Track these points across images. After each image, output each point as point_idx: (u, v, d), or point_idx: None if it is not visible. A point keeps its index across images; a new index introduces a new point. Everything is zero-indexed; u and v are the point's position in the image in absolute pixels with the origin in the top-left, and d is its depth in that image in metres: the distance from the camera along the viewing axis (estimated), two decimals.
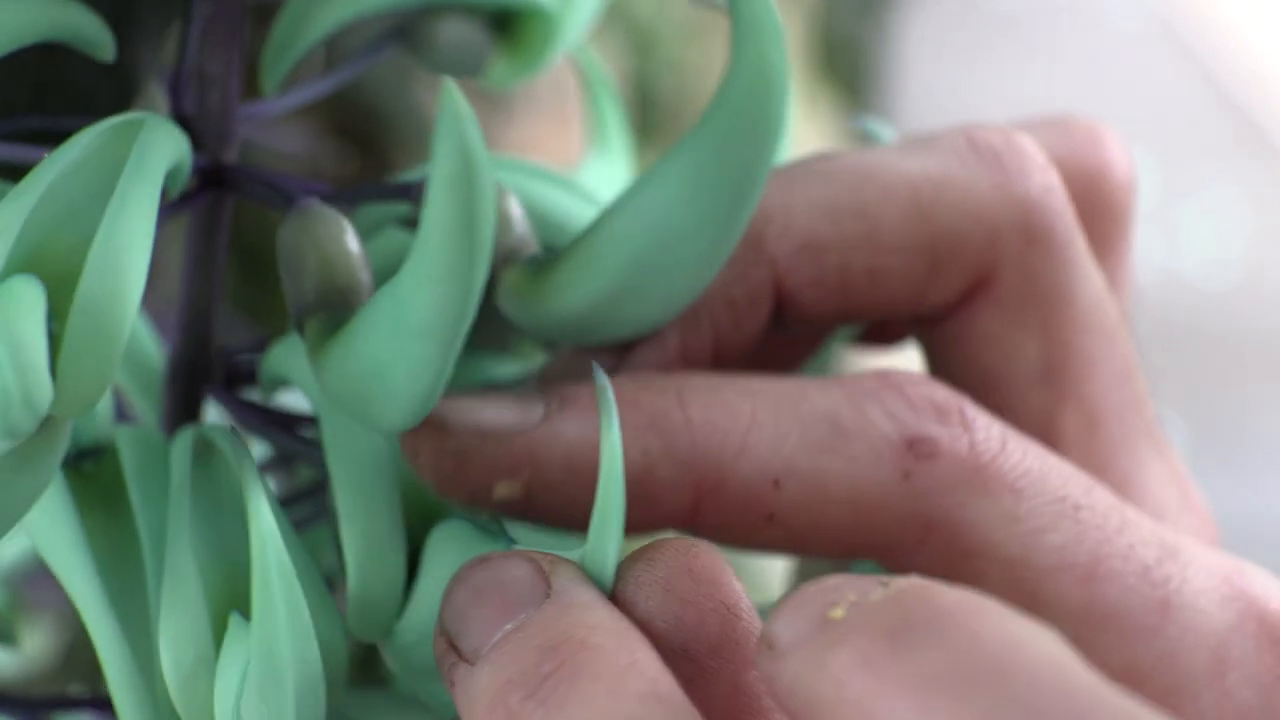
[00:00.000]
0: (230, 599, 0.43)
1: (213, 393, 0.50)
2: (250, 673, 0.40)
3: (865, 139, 0.55)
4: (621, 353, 0.46)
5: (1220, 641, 0.44)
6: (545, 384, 0.46)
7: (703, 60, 1.27)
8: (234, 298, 0.77)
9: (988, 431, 0.44)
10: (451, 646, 0.40)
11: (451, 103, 0.35)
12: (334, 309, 0.42)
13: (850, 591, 0.36)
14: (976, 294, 0.47)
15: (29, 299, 0.38)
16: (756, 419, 0.43)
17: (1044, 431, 0.47)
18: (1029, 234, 0.47)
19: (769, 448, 0.43)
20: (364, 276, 0.43)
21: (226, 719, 0.41)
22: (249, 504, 0.40)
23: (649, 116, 1.24)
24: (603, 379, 0.40)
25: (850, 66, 1.36)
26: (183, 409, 0.51)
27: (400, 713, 0.49)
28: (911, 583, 0.36)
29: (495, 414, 0.43)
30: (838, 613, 0.35)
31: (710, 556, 0.40)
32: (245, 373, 0.51)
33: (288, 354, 0.46)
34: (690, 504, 0.43)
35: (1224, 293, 1.80)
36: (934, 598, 0.35)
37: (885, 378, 0.44)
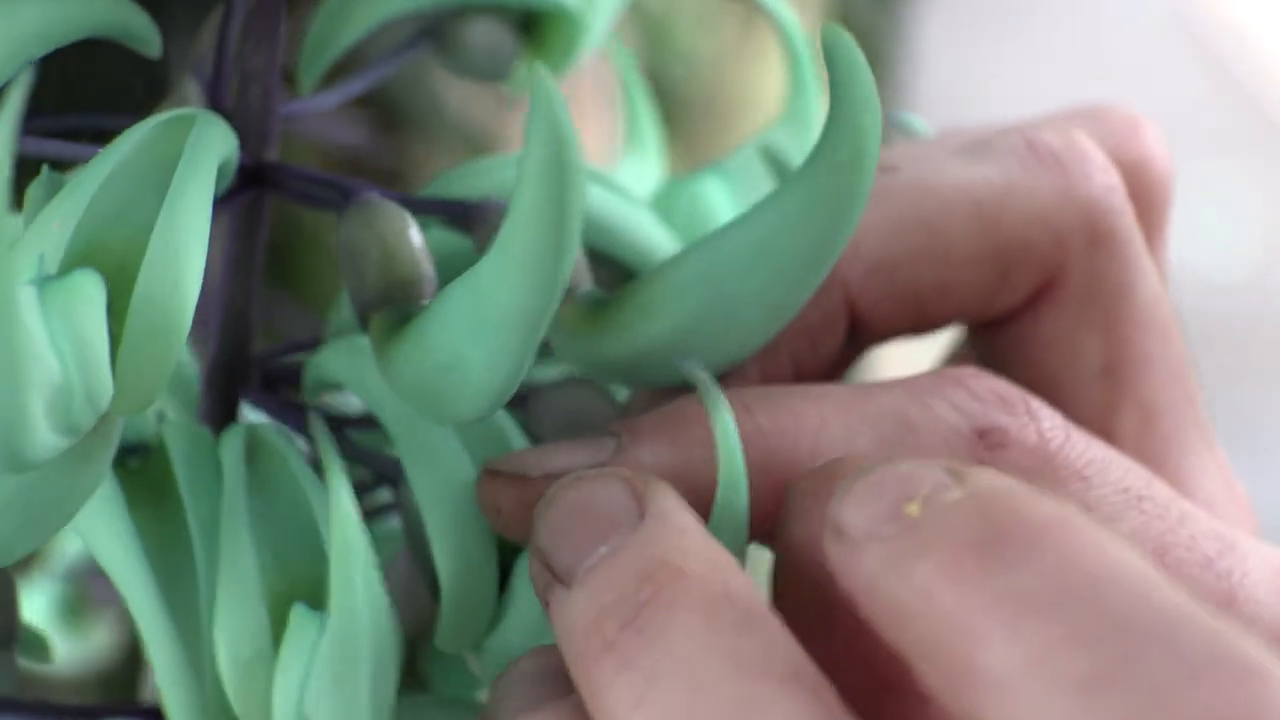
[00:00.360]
0: (286, 596, 0.42)
1: (253, 396, 0.50)
2: (320, 664, 0.40)
3: (905, 135, 0.55)
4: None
5: (1277, 636, 0.44)
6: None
7: (716, 51, 1.26)
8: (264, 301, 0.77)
9: (1052, 421, 0.44)
10: (546, 566, 0.40)
11: (544, 88, 0.35)
12: (399, 303, 0.42)
13: (924, 484, 0.36)
14: (1042, 296, 0.47)
15: (91, 293, 0.37)
16: (825, 421, 0.43)
17: (1100, 427, 0.47)
18: (1094, 235, 0.47)
19: (841, 448, 0.43)
20: (427, 269, 0.43)
21: (289, 714, 0.40)
22: (331, 488, 0.39)
23: (661, 108, 1.23)
24: (703, 378, 0.40)
25: (868, 57, 1.35)
26: (221, 410, 0.50)
27: (445, 716, 0.49)
28: (993, 485, 0.35)
29: (569, 458, 0.43)
30: (913, 508, 0.35)
31: None
32: (282, 375, 0.51)
33: (341, 357, 0.46)
34: (769, 512, 0.43)
35: (1236, 285, 1.80)
36: (1022, 508, 0.35)
37: (943, 374, 0.44)
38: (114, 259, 0.39)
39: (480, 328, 0.38)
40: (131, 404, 0.39)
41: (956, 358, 0.53)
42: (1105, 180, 0.47)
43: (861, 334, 0.47)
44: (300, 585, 0.42)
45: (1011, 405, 0.44)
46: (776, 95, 0.60)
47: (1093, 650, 0.33)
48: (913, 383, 0.44)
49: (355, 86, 0.53)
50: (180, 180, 0.40)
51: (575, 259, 0.44)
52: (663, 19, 1.22)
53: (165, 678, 0.42)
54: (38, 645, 0.53)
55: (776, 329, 0.44)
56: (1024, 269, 0.47)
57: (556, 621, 0.39)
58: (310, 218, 0.45)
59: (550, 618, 0.40)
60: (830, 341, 0.47)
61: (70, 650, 0.71)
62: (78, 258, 0.38)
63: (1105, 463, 0.44)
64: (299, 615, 0.41)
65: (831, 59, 0.41)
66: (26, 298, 0.35)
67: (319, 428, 0.42)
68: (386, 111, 0.92)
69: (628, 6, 0.56)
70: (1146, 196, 0.51)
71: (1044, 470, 0.43)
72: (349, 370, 0.45)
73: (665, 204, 0.55)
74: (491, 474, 0.43)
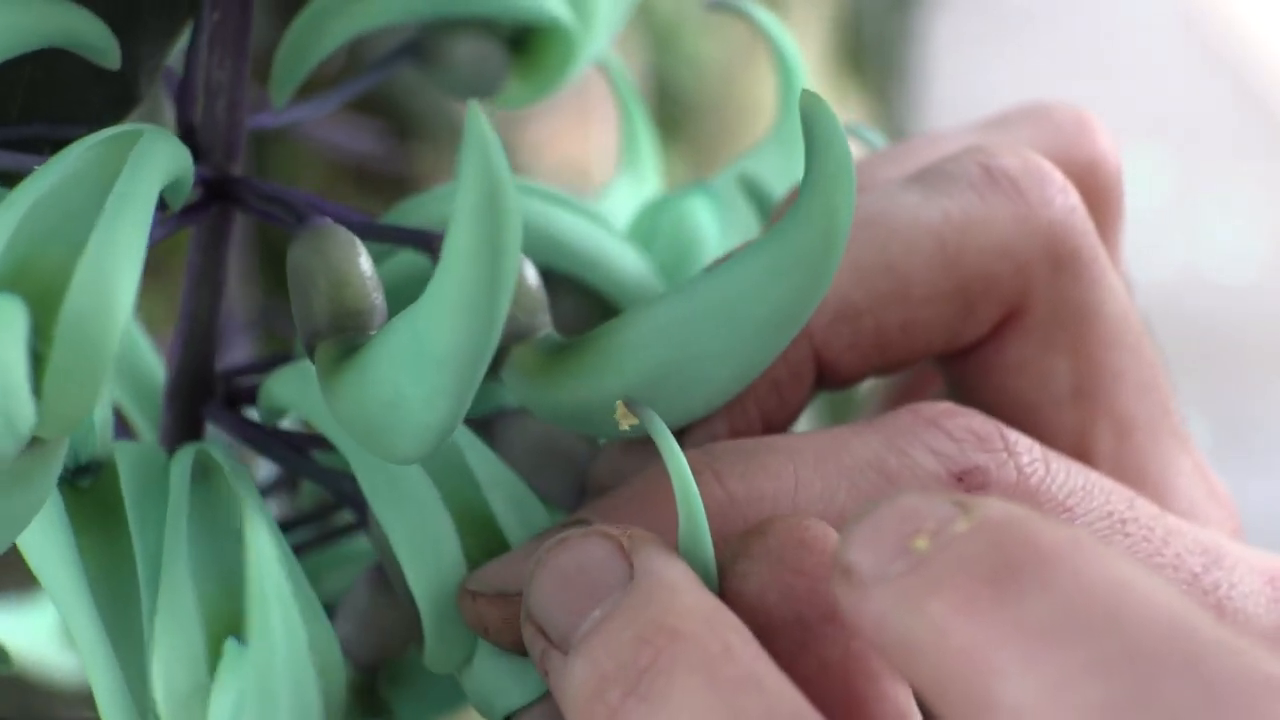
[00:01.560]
0: (228, 623, 0.41)
1: (213, 413, 0.49)
2: (246, 700, 0.39)
3: (894, 134, 0.54)
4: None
5: (1269, 645, 0.43)
6: (589, 499, 0.45)
7: (722, 55, 1.26)
8: (262, 308, 0.76)
9: (1031, 454, 0.43)
10: (540, 632, 0.39)
11: (476, 127, 0.34)
12: (346, 333, 0.41)
13: (929, 518, 0.35)
14: (1007, 324, 0.47)
15: (9, 318, 0.36)
16: (801, 479, 0.42)
17: (1077, 447, 0.47)
18: (1056, 260, 0.46)
19: (822, 506, 0.42)
20: (377, 300, 0.42)
21: None
22: (246, 526, 0.39)
23: (667, 112, 1.22)
24: (669, 444, 0.40)
25: (878, 64, 1.35)
26: (183, 428, 0.49)
27: None
28: (1001, 514, 0.35)
29: None
30: (921, 543, 0.35)
31: (820, 528, 0.40)
32: (246, 391, 0.50)
33: (290, 382, 0.45)
34: None
35: (1243, 288, 1.79)
36: (1032, 537, 0.34)
37: (917, 413, 0.43)
38: (44, 279, 0.37)
39: (419, 366, 0.37)
40: (57, 427, 0.38)
41: (917, 378, 0.53)
42: (1065, 202, 0.46)
43: (828, 380, 0.47)
44: (242, 614, 0.41)
45: (989, 443, 0.43)
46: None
47: (1111, 678, 0.32)
48: (887, 426, 0.43)
49: (338, 97, 0.53)
50: (116, 200, 0.39)
51: (536, 299, 0.44)
52: (670, 24, 1.21)
53: (105, 705, 0.41)
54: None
55: (739, 387, 0.43)
56: (988, 301, 0.46)
57: (557, 689, 0.39)
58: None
59: (550, 684, 0.39)
60: (798, 393, 0.46)
61: (77, 664, 0.70)
62: (5, 278, 0.37)
63: (1087, 490, 0.43)
64: (230, 650, 0.40)
65: (810, 127, 0.40)
66: None
67: (233, 460, 0.41)
68: (394, 118, 0.91)
69: (636, 12, 0.55)
70: (1099, 195, 0.50)
71: (1027, 504, 0.42)
72: (300, 396, 0.44)
73: (650, 222, 0.54)
74: (472, 595, 0.43)
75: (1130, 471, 0.47)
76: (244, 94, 0.48)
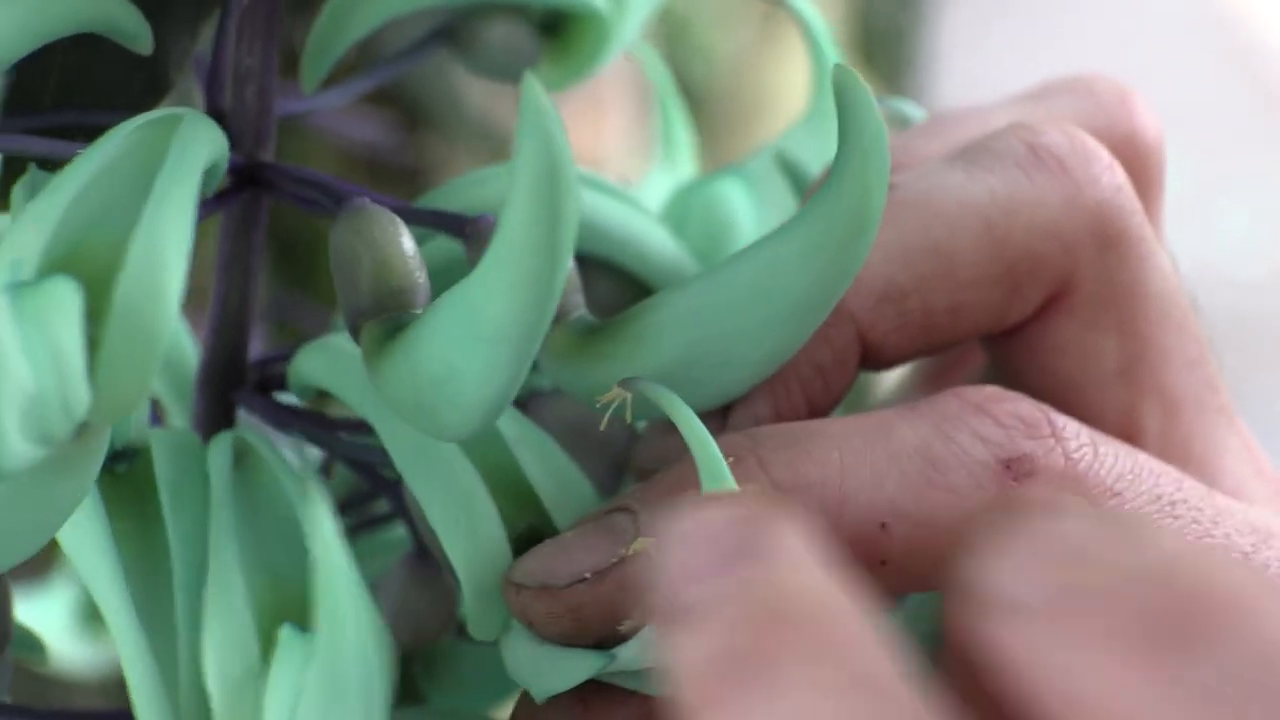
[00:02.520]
0: (276, 611, 0.41)
1: (245, 399, 0.48)
2: (311, 686, 0.38)
3: (904, 125, 0.54)
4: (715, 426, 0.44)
5: None
6: (634, 483, 0.45)
7: (735, 48, 1.26)
8: (273, 301, 0.76)
9: (1078, 439, 0.43)
10: (653, 601, 0.38)
11: (534, 97, 0.34)
12: (391, 313, 0.41)
13: (1090, 543, 0.32)
14: (1053, 303, 0.46)
15: (66, 300, 0.36)
16: (847, 465, 0.42)
17: (1124, 426, 0.46)
18: (1104, 240, 0.46)
19: (870, 493, 0.42)
20: (421, 278, 0.42)
21: None
22: (308, 509, 0.38)
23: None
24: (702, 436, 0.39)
25: (890, 54, 1.35)
26: (215, 414, 0.49)
27: None
28: (1172, 553, 0.32)
29: (590, 554, 0.42)
30: (1078, 576, 0.32)
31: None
32: (280, 378, 0.50)
33: (317, 358, 0.45)
34: None
35: (1258, 281, 1.79)
36: (1203, 582, 0.31)
37: (963, 396, 0.43)
38: (95, 263, 0.37)
39: (472, 341, 0.37)
40: (111, 412, 0.37)
41: (952, 358, 0.52)
42: (1112, 180, 0.46)
43: (872, 362, 0.46)
44: (290, 600, 0.41)
45: (1036, 429, 0.42)
46: (796, 93, 0.59)
47: None
48: (934, 411, 0.43)
49: (363, 84, 0.52)
50: (164, 183, 0.38)
51: (571, 281, 0.44)
52: (683, 16, 1.21)
53: (138, 692, 0.41)
54: (32, 645, 0.52)
55: (774, 367, 0.43)
56: (1034, 281, 0.46)
57: (667, 660, 0.38)
58: (326, 217, 0.44)
59: (659, 653, 0.38)
60: (842, 376, 0.46)
61: (93, 654, 0.70)
62: (56, 262, 0.37)
63: (1135, 472, 0.43)
64: (287, 637, 0.40)
65: (842, 102, 0.40)
66: None
67: (276, 455, 0.41)
68: (407, 110, 0.91)
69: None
70: (1141, 169, 0.49)
71: (1074, 492, 0.42)
72: (330, 374, 0.44)
73: (682, 205, 0.54)
74: (516, 587, 0.42)
75: (1177, 450, 0.47)
76: (273, 80, 0.47)
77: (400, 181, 0.93)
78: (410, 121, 0.89)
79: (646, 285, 0.50)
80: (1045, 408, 0.43)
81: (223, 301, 0.49)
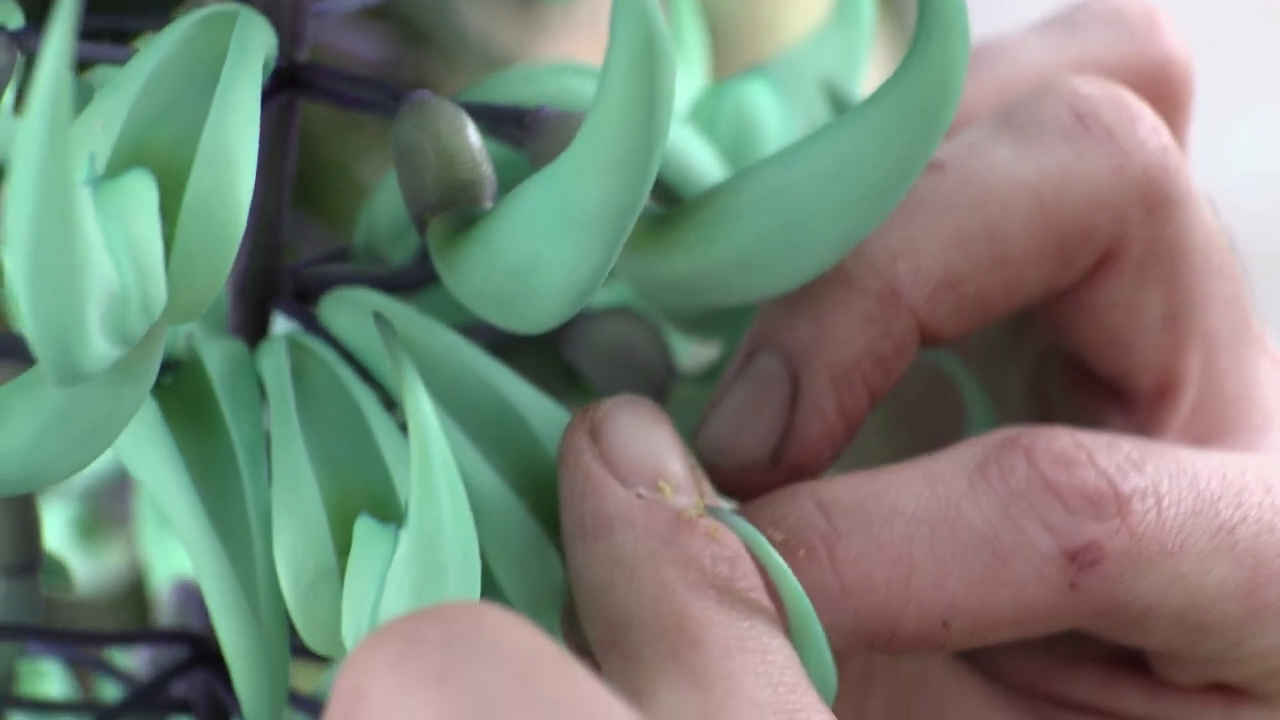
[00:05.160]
0: (344, 508, 0.40)
1: (283, 306, 0.48)
2: (399, 575, 0.38)
3: None
4: (784, 420, 0.45)
5: None
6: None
7: None
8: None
9: (1143, 500, 0.43)
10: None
11: None
12: (459, 206, 0.40)
13: None
14: (1102, 265, 0.47)
15: (144, 195, 0.35)
16: (915, 563, 0.42)
17: (1165, 371, 0.47)
18: (1151, 204, 0.46)
19: (934, 594, 0.42)
20: (487, 171, 0.41)
21: (361, 626, 0.39)
22: (406, 393, 0.37)
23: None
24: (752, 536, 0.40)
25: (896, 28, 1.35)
26: (252, 322, 0.48)
27: None
28: None
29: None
30: None
31: None
32: (313, 286, 0.49)
33: (347, 316, 0.45)
34: (862, 662, 0.44)
35: (1267, 210, 1.79)
36: None
37: (1032, 458, 0.43)
38: (161, 160, 0.37)
39: (561, 225, 0.36)
40: (185, 311, 0.37)
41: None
42: (1158, 143, 0.46)
43: (928, 344, 0.46)
44: (357, 496, 0.41)
45: (1102, 506, 0.43)
46: (800, 21, 0.58)
47: None
48: (1004, 483, 0.43)
49: None
50: (229, 78, 0.38)
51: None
52: None
53: (216, 600, 0.41)
54: (58, 571, 0.52)
55: (849, 248, 0.43)
56: (1084, 251, 0.46)
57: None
58: (329, 139, 0.43)
59: None
60: (902, 364, 0.46)
61: (86, 572, 0.69)
62: (125, 158, 0.37)
63: (1195, 508, 0.43)
64: (367, 528, 0.39)
65: None
66: (82, 200, 0.33)
67: (387, 332, 0.40)
68: (407, 27, 0.90)
69: None
70: (1171, 94, 0.50)
71: (1138, 563, 0.43)
72: (353, 333, 0.44)
73: (708, 109, 0.53)
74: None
75: (1213, 387, 0.48)
76: None
77: None
78: (409, 37, 0.88)
79: (673, 189, 0.49)
80: (1110, 470, 0.43)
81: (259, 209, 0.48)
